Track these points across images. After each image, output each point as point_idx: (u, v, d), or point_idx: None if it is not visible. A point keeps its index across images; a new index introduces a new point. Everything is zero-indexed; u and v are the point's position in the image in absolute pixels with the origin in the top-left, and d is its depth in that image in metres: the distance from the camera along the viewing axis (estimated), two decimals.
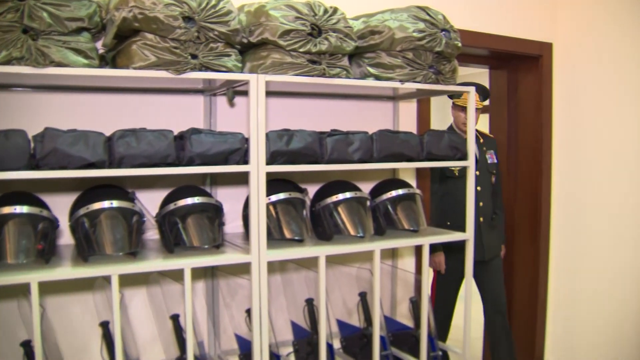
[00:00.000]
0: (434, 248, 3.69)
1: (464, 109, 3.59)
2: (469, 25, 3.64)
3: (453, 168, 3.65)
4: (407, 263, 3.51)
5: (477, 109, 3.45)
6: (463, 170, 3.44)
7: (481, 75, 4.92)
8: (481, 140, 3.85)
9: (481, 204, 3.73)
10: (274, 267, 3.01)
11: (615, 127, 3.82)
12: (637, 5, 3.67)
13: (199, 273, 2.83)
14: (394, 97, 3.31)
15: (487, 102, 3.89)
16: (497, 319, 3.88)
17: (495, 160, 3.91)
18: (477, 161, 3.65)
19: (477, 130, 3.64)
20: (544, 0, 4.12)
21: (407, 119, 3.45)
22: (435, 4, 2.81)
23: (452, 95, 3.69)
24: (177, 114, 2.76)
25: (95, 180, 2.39)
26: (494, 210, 3.88)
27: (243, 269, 2.60)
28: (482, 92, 3.75)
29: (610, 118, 3.85)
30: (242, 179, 2.73)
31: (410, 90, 2.86)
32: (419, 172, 3.57)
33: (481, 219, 3.73)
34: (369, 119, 3.25)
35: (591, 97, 3.97)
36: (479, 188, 3.68)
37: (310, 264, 2.85)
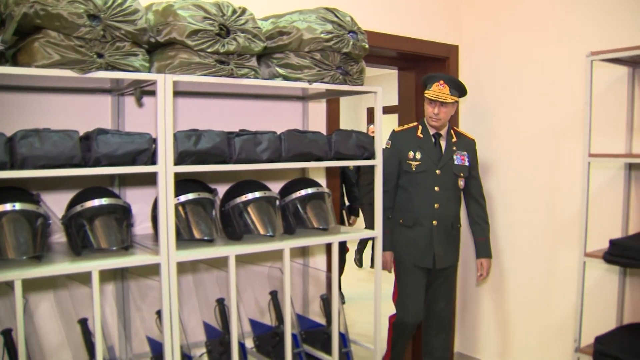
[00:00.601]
0: (383, 247, 3.36)
1: (432, 101, 3.50)
2: (378, 27, 3.72)
3: (411, 162, 3.55)
4: (319, 261, 3.55)
5: (446, 103, 3.47)
6: (422, 165, 3.52)
7: (391, 75, 5.03)
8: (453, 139, 3.66)
9: (437, 205, 3.53)
10: (185, 268, 2.99)
11: (517, 122, 3.98)
12: (533, 11, 3.85)
13: (109, 275, 2.78)
14: (304, 97, 3.35)
15: (458, 98, 3.57)
16: (436, 334, 3.75)
17: (466, 163, 3.66)
18: (439, 159, 3.57)
19: (453, 129, 3.68)
20: (451, 5, 4.27)
21: (316, 119, 3.49)
22: (344, 6, 2.86)
23: (425, 87, 3.60)
24: (84, 114, 2.69)
25: None
26: (456, 216, 3.68)
27: (153, 271, 2.57)
28: (454, 85, 3.53)
29: (511, 114, 4.02)
30: (151, 180, 2.69)
31: (319, 91, 2.91)
32: (329, 171, 3.62)
33: (434, 222, 3.53)
34: (278, 118, 3.28)
35: (493, 96, 4.14)
36: (436, 188, 3.54)
37: (221, 263, 2.85)
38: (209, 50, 2.36)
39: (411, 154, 3.57)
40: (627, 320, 3.39)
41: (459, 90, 3.55)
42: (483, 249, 3.76)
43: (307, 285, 3.46)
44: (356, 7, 3.36)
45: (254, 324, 3.13)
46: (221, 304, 2.80)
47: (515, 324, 4.07)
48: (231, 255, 2.51)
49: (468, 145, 3.72)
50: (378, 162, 2.96)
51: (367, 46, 2.82)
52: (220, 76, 2.42)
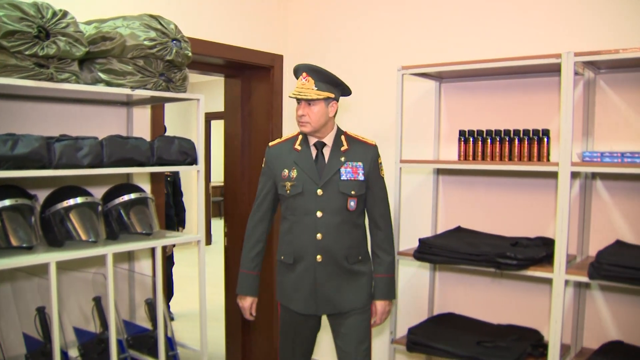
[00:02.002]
0: (242, 289, 3.00)
1: (298, 100, 2.82)
2: (204, 35, 3.78)
3: (285, 183, 2.87)
4: (144, 266, 3.54)
5: (312, 100, 2.77)
6: (297, 186, 2.84)
7: (218, 82, 5.10)
8: (343, 148, 2.90)
9: (319, 236, 2.81)
10: (3, 277, 2.88)
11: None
12: (354, 25, 4.12)
13: None
14: (128, 103, 3.34)
15: (332, 93, 2.83)
16: None
17: (360, 177, 2.86)
18: (320, 175, 2.85)
19: (346, 134, 2.97)
20: (277, 16, 4.44)
21: (141, 125, 3.48)
22: (169, 14, 2.92)
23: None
24: None
25: None
26: (353, 247, 2.89)
27: None
28: (321, 77, 2.81)
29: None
30: None
31: (143, 97, 2.93)
32: (154, 176, 3.62)
33: (318, 257, 2.82)
34: (101, 124, 3.24)
35: None
36: (319, 214, 2.82)
37: (42, 271, 2.76)
38: (26, 52, 2.30)
39: (285, 172, 2.89)
40: (437, 310, 3.74)
41: (330, 82, 2.82)
42: (378, 289, 2.95)
43: (133, 290, 3.45)
44: (182, 14, 3.42)
45: (78, 332, 3.07)
46: (42, 312, 2.72)
47: None
48: (52, 261, 2.47)
49: (365, 153, 2.92)
50: (200, 168, 3.04)
51: (190, 54, 2.89)
52: (40, 80, 2.37)
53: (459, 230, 3.54)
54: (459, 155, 3.30)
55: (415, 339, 3.22)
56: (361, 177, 2.87)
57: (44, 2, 2.40)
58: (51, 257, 2.48)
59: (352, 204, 2.85)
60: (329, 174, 2.84)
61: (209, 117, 11.41)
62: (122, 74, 2.69)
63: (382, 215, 2.96)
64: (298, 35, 4.48)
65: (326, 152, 2.90)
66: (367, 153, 2.92)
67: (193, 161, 3.00)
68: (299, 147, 2.91)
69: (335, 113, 2.89)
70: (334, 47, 4.23)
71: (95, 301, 3.00)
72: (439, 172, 3.73)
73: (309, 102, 2.80)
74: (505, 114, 3.44)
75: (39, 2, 2.38)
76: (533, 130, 3.07)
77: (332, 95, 2.82)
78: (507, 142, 3.12)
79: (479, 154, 3.21)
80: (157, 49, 2.71)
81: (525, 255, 2.89)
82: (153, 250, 3.01)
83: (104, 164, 2.64)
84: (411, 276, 3.84)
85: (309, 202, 2.84)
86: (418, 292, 3.81)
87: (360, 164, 2.89)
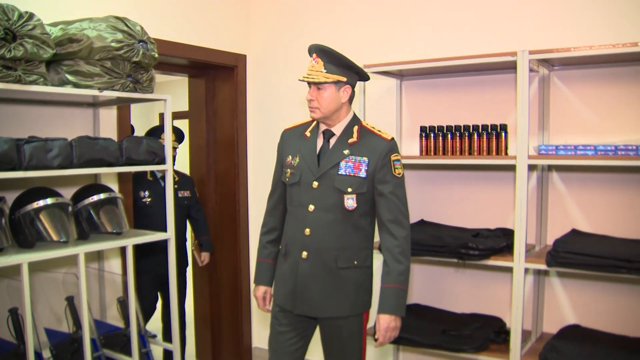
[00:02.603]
0: (255, 278, 2.89)
1: (309, 84, 2.61)
2: (168, 35, 3.81)
3: (287, 170, 2.73)
4: (114, 265, 3.57)
5: (321, 84, 2.58)
6: (295, 175, 2.68)
7: (182, 81, 5.12)
8: (352, 139, 2.66)
9: (307, 231, 2.64)
10: None
11: None
12: (315, 24, 4.20)
13: None
14: (94, 104, 3.36)
15: (343, 77, 2.60)
16: None
17: (362, 174, 2.60)
18: (318, 164, 2.66)
19: (361, 125, 2.70)
20: (239, 16, 4.48)
21: (107, 125, 3.50)
22: (134, 14, 2.94)
23: None
24: None
25: None
26: (346, 249, 2.64)
27: None
28: (331, 59, 2.59)
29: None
30: None
31: (109, 98, 2.95)
32: (121, 176, 3.64)
33: (303, 253, 2.65)
34: (68, 125, 3.25)
35: (280, 104, 4.42)
36: (310, 207, 2.64)
37: (12, 272, 2.78)
38: None
39: (289, 159, 2.76)
40: None
41: (341, 65, 2.60)
42: (384, 301, 2.61)
43: (104, 289, 3.47)
44: (146, 15, 3.45)
45: (49, 332, 3.07)
46: (14, 313, 2.74)
47: None
48: (24, 262, 2.48)
49: (374, 147, 2.63)
50: (168, 167, 3.08)
51: (156, 55, 2.93)
52: (8, 82, 2.39)
53: (422, 223, 3.65)
54: (421, 150, 3.41)
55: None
56: (362, 174, 2.60)
57: (9, 4, 2.40)
58: (23, 259, 2.50)
59: (349, 202, 2.60)
60: (327, 166, 2.63)
61: (175, 116, 11.38)
62: (90, 76, 2.71)
63: (393, 220, 2.60)
64: (261, 35, 4.54)
65: (333, 142, 2.68)
66: (377, 148, 2.62)
67: (161, 161, 3.04)
68: (308, 134, 2.74)
69: (352, 100, 2.68)
70: (297, 46, 4.29)
71: (68, 301, 3.02)
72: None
73: (318, 86, 2.59)
74: (464, 110, 3.56)
75: (4, 5, 2.38)
76: (491, 125, 3.20)
77: (344, 79, 2.59)
78: (466, 137, 3.24)
79: (440, 148, 3.33)
80: (124, 51, 2.74)
81: (486, 246, 3.01)
82: (123, 249, 3.03)
83: (74, 164, 2.67)
84: (377, 269, 3.92)
85: (303, 194, 2.66)
86: None
87: (365, 159, 2.61)
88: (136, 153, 2.92)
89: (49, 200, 2.71)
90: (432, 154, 3.36)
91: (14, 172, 2.46)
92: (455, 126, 3.30)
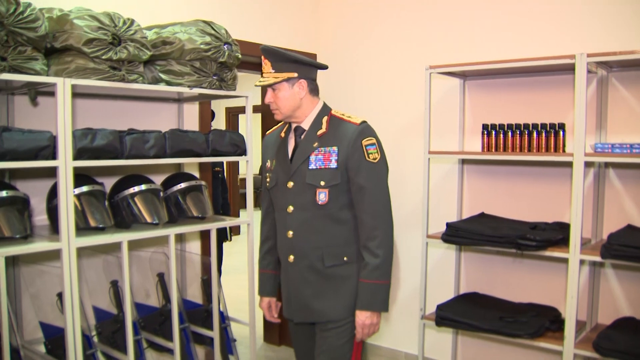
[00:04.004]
0: (258, 289, 2.81)
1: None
2: (244, 35, 4.06)
3: (267, 175, 2.64)
4: (193, 247, 3.87)
5: (274, 84, 2.45)
6: (273, 178, 2.59)
7: (242, 78, 5.38)
8: (320, 131, 2.51)
9: (290, 233, 2.51)
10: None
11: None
12: (383, 27, 4.42)
13: None
14: (179, 100, 3.67)
15: (293, 73, 2.45)
16: None
17: (332, 165, 2.43)
18: (289, 162, 2.53)
19: (330, 114, 2.55)
20: (309, 16, 4.74)
21: (190, 119, 3.81)
22: (217, 18, 3.20)
23: None
24: None
25: None
26: (331, 246, 2.47)
27: (46, 257, 2.80)
28: (276, 57, 2.45)
29: (364, 116, 4.53)
30: (40, 174, 2.90)
31: (193, 94, 3.25)
32: (202, 166, 3.94)
33: (290, 257, 2.52)
34: (156, 118, 3.57)
35: (349, 99, 4.62)
36: (289, 209, 2.51)
37: (108, 249, 3.09)
38: (103, 57, 2.62)
39: (268, 163, 2.67)
40: (463, 289, 4.04)
41: (288, 61, 2.45)
42: (360, 296, 2.45)
43: (185, 268, 3.76)
44: (225, 18, 3.71)
45: (139, 306, 3.38)
46: (115, 285, 3.06)
47: None
48: (124, 240, 2.79)
49: (344, 134, 2.46)
50: (249, 158, 3.35)
51: (240, 56, 3.20)
52: (114, 81, 2.69)
53: (482, 215, 3.82)
54: (482, 147, 3.58)
55: (443, 314, 3.50)
56: (333, 165, 2.43)
57: (115, 12, 2.70)
58: (123, 237, 2.80)
59: (321, 196, 2.43)
60: (298, 163, 2.49)
61: (237, 111, 11.73)
62: (181, 74, 2.99)
63: (368, 211, 2.42)
64: (330, 35, 4.78)
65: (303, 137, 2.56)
66: (346, 134, 2.45)
67: (243, 152, 3.31)
68: (282, 135, 2.64)
69: (315, 91, 2.54)
70: (364, 46, 4.51)
71: (160, 277, 3.32)
72: (463, 162, 4.02)
73: (272, 87, 2.48)
74: (524, 109, 3.71)
75: (110, 12, 2.68)
76: (550, 124, 3.34)
77: (294, 75, 2.44)
78: (526, 135, 3.39)
79: (501, 145, 3.49)
80: (212, 52, 3.01)
81: (543, 237, 3.16)
82: (208, 232, 3.31)
83: (167, 154, 2.96)
84: (439, 257, 4.12)
85: (281, 196, 2.55)
86: (445, 272, 4.11)
87: (334, 148, 2.45)
88: (221, 145, 3.19)
89: (144, 186, 3.00)
90: (493, 150, 3.52)
91: (117, 160, 2.76)
92: (515, 124, 3.45)
